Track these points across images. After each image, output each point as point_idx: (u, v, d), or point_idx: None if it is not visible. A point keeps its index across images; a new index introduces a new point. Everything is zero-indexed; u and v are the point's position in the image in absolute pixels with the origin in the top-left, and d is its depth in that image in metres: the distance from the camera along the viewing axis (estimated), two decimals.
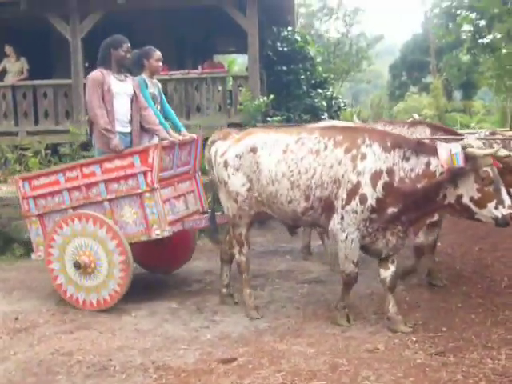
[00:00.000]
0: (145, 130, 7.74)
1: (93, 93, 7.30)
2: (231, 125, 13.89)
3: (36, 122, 14.23)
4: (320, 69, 18.33)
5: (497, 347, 5.51)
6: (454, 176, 5.63)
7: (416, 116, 27.23)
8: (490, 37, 20.05)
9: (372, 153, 5.92)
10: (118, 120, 7.45)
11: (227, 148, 6.72)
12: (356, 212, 5.91)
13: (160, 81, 14.16)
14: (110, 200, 7.18)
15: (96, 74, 7.39)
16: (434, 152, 5.71)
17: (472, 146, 5.59)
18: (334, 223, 6.06)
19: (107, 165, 7.19)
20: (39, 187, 7.55)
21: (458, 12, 20.33)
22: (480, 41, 20.49)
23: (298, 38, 16.94)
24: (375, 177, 5.87)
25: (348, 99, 21.19)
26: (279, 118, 14.26)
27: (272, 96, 13.56)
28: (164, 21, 16.39)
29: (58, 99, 14.19)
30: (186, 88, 14.43)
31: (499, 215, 5.60)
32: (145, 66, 7.97)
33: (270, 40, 16.47)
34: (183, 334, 6.23)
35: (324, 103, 16.80)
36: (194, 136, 7.98)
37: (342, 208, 5.98)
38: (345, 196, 5.95)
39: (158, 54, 8.02)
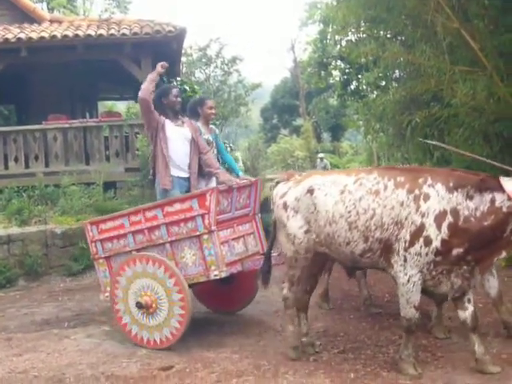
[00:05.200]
0: (201, 174, 8.14)
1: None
2: (128, 169, 15.00)
3: None
4: None
5: (385, 345, 6.74)
6: None
7: (322, 155, 28.60)
8: (357, 83, 21.66)
9: (435, 193, 5.74)
10: (175, 164, 7.92)
11: (287, 190, 6.62)
12: (420, 254, 5.70)
13: (60, 130, 15.15)
14: (170, 242, 7.33)
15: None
16: (498, 188, 5.57)
17: None
18: (397, 265, 5.86)
19: (168, 208, 7.33)
20: (106, 231, 7.75)
21: (329, 61, 22.05)
22: (349, 87, 22.14)
23: (187, 88, 18.05)
24: (440, 218, 5.67)
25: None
26: None
27: None
28: (58, 72, 17.22)
29: None
30: (85, 136, 15.34)
31: None
32: (199, 114, 8.48)
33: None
34: (122, 351, 7.13)
35: None
36: (253, 180, 8.18)
37: (405, 250, 5.76)
38: (408, 238, 5.74)
39: (210, 102, 8.61)
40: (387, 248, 5.91)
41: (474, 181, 5.71)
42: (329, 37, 19.66)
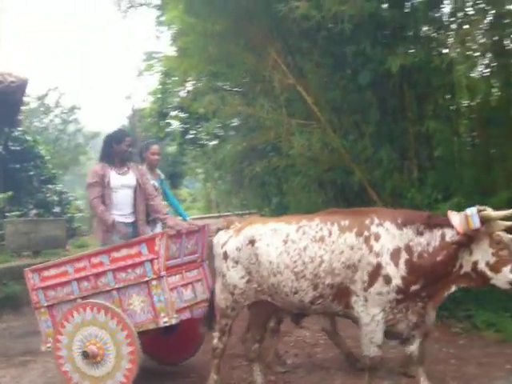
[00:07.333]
0: (147, 220, 7.90)
1: (91, 185, 7.48)
2: None
3: None
4: (50, 166, 19.44)
5: (237, 383, 7.18)
6: (469, 242, 5.56)
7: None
8: (196, 132, 22.10)
9: (385, 231, 5.79)
10: (120, 212, 7.62)
11: (227, 239, 6.50)
12: (381, 293, 5.68)
13: None
14: (118, 289, 6.98)
15: (95, 167, 7.67)
16: (446, 223, 5.67)
17: (486, 209, 5.52)
18: (358, 306, 5.80)
19: (115, 254, 7.00)
20: (48, 278, 7.33)
21: (169, 110, 22.30)
22: (187, 136, 22.53)
23: (29, 138, 17.98)
24: (395, 255, 5.68)
25: None
26: (17, 213, 15.22)
27: (10, 193, 14.44)
28: None
29: None
30: None
31: None
32: (145, 159, 8.46)
33: (1, 140, 17.32)
34: None
35: (55, 197, 17.87)
36: (201, 225, 7.89)
37: (365, 290, 5.72)
38: (366, 278, 5.72)
39: (154, 147, 8.49)
40: (341, 291, 5.86)
41: (421, 217, 5.84)
42: (169, 88, 20.02)
